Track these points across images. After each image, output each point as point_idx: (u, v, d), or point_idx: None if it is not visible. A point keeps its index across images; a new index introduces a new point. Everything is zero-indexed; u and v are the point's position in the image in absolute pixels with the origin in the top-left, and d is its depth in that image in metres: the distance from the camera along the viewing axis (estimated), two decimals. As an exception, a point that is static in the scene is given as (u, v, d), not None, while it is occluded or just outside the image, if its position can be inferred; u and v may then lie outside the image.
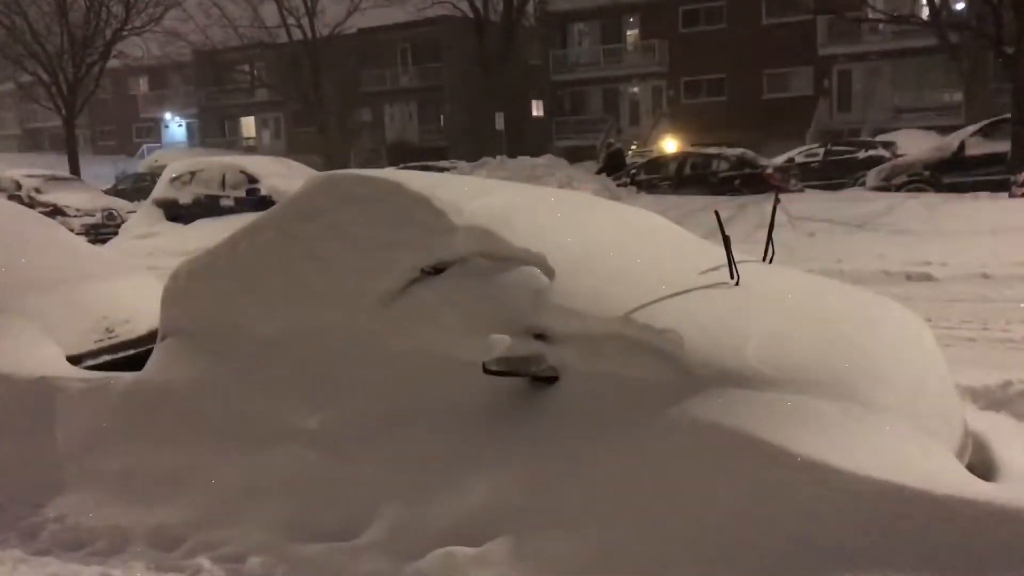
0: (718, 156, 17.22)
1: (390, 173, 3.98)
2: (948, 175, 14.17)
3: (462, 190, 3.87)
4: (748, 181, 16.06)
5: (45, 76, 26.32)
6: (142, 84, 49.18)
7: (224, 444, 3.75)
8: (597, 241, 3.67)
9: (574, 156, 36.32)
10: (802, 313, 3.32)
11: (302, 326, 3.85)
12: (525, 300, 3.36)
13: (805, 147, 23.75)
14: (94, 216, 16.21)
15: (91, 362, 5.13)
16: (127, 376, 4.37)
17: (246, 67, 41.47)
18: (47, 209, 15.94)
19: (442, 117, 40.47)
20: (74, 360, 5.09)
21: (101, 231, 15.56)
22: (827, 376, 2.97)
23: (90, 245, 6.55)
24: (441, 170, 17.08)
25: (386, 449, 3.40)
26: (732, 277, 3.42)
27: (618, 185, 15.43)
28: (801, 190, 16.64)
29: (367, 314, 3.70)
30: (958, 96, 26.93)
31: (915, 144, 20.65)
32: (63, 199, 16.22)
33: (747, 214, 10.90)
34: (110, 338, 5.38)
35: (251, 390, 3.84)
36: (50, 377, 4.51)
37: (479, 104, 35.49)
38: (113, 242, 13.73)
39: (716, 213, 3.39)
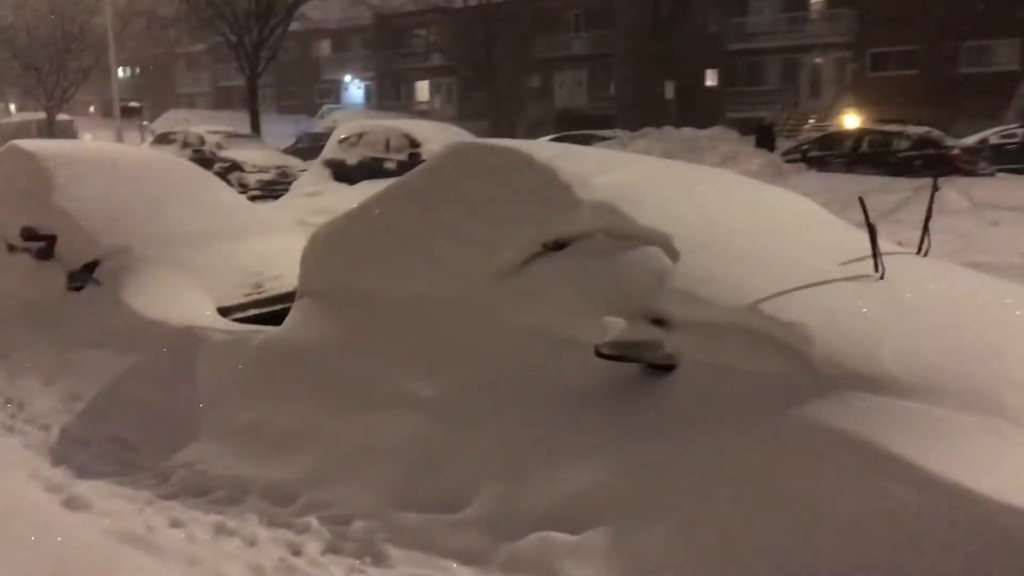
0: (899, 134, 16.10)
1: (519, 144, 3.89)
2: None
3: (591, 163, 3.74)
4: (931, 162, 14.89)
5: (232, 37, 27.89)
6: (324, 47, 51.19)
7: (343, 405, 3.81)
8: (730, 223, 3.45)
9: (747, 128, 34.92)
10: (951, 314, 3.00)
11: (425, 294, 3.85)
12: (645, 282, 3.20)
13: (1002, 127, 21.86)
14: (268, 173, 17.04)
15: (239, 315, 5.38)
16: (265, 331, 4.54)
17: (422, 31, 42.37)
18: (226, 164, 16.91)
19: (612, 85, 39.95)
20: (224, 312, 5.34)
21: (274, 188, 16.33)
22: (970, 385, 2.67)
23: (249, 202, 6.84)
24: (603, 139, 16.87)
25: (495, 424, 3.35)
26: (876, 270, 3.13)
27: (787, 161, 14.72)
28: (992, 174, 15.33)
29: (488, 287, 3.66)
30: None
31: None
32: (241, 155, 17.13)
33: (924, 198, 10.09)
34: (259, 292, 5.61)
35: (373, 354, 3.89)
36: (197, 327, 4.74)
37: (650, 72, 34.82)
38: (283, 199, 14.38)
39: (860, 200, 3.10)
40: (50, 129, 30.02)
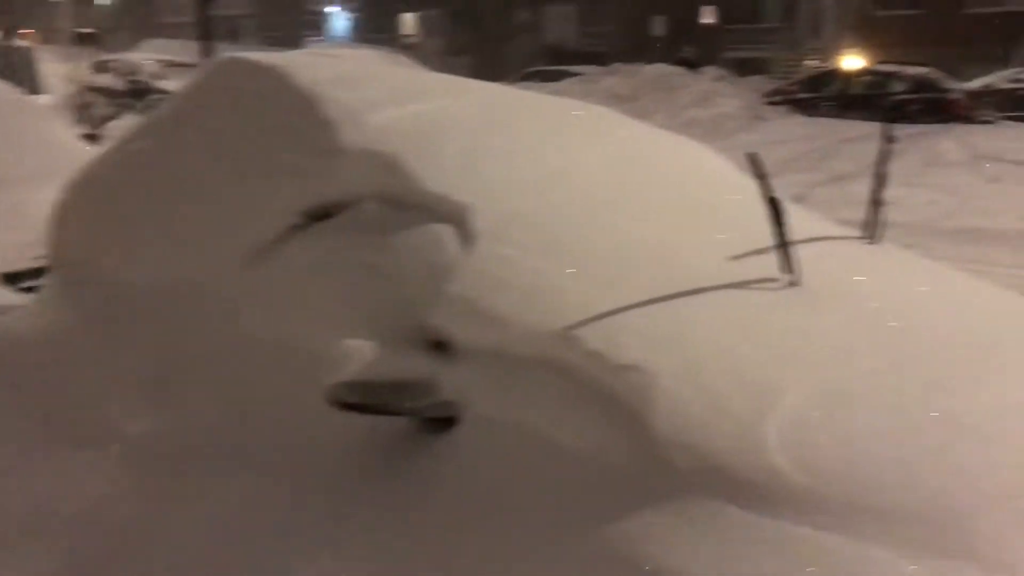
0: (894, 75, 14.66)
1: (288, 58, 2.65)
2: None
3: (383, 90, 2.50)
4: (929, 107, 13.53)
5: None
6: (309, -25, 49.09)
7: (47, 438, 2.66)
8: (575, 190, 2.24)
9: (745, 68, 33.30)
10: (903, 351, 1.80)
11: (163, 279, 2.68)
12: (421, 282, 2.01)
13: (1011, 71, 20.34)
14: (205, 104, 15.62)
15: (30, 282, 4.25)
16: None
17: (408, -40, 40.42)
18: (162, 95, 15.54)
19: (604, 21, 38.14)
20: (10, 279, 4.26)
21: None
22: (921, 498, 1.50)
23: (79, 142, 5.61)
24: (573, 75, 15.48)
25: (207, 494, 2.20)
26: (786, 272, 1.93)
27: (770, 103, 13.35)
28: (995, 122, 13.97)
29: (235, 273, 2.47)
30: None
31: None
32: (178, 86, 15.67)
33: (917, 148, 8.81)
34: (57, 254, 4.47)
35: (96, 363, 2.73)
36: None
37: (643, 8, 33.13)
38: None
39: (752, 157, 1.88)
40: (6, 56, 28.28)
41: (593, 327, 1.77)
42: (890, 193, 6.79)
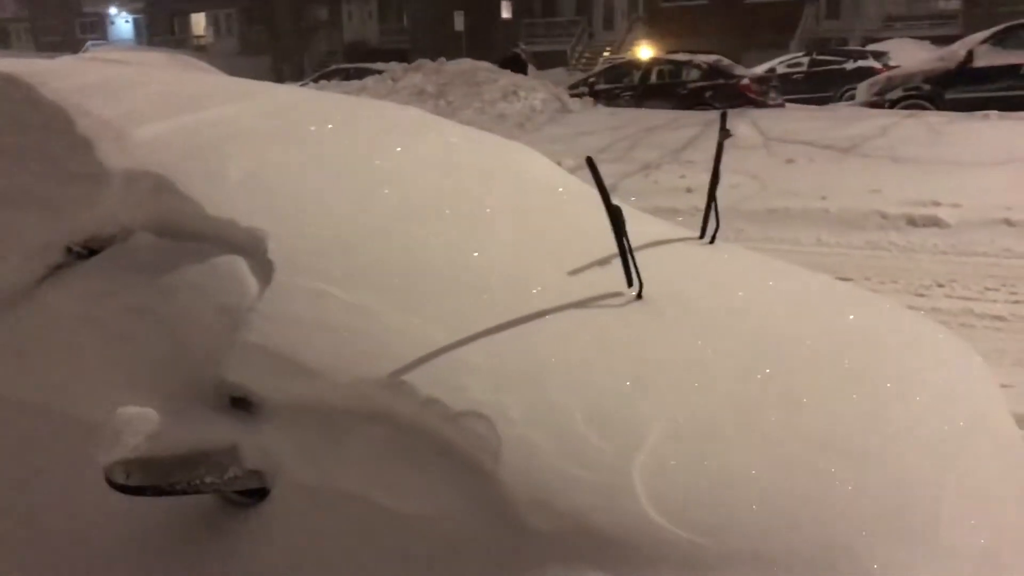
0: (688, 64, 15.24)
1: (37, 65, 2.22)
2: (952, 90, 12.28)
3: (158, 98, 2.13)
4: (721, 93, 14.13)
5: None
6: (85, -25, 45.87)
7: None
8: (391, 206, 1.96)
9: (544, 61, 33.97)
10: (761, 366, 1.64)
11: None
12: (208, 328, 1.68)
13: (788, 56, 21.70)
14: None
15: None
16: None
17: (193, -43, 38.47)
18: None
19: (404, 17, 37.81)
20: None
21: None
22: (809, 534, 1.34)
23: None
24: (375, 72, 15.09)
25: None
26: (629, 285, 1.74)
27: (572, 95, 13.52)
28: (781, 104, 14.78)
29: (-21, 325, 2.02)
30: (955, 4, 24.94)
31: (909, 55, 18.79)
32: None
33: (714, 134, 9.09)
34: None
35: None
36: None
37: (443, 3, 33.03)
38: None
39: (589, 161, 1.68)
40: None
41: (425, 369, 1.51)
42: (696, 181, 6.87)
